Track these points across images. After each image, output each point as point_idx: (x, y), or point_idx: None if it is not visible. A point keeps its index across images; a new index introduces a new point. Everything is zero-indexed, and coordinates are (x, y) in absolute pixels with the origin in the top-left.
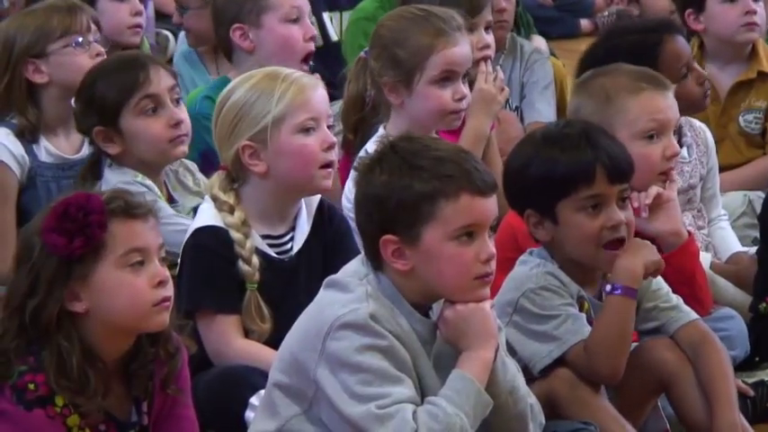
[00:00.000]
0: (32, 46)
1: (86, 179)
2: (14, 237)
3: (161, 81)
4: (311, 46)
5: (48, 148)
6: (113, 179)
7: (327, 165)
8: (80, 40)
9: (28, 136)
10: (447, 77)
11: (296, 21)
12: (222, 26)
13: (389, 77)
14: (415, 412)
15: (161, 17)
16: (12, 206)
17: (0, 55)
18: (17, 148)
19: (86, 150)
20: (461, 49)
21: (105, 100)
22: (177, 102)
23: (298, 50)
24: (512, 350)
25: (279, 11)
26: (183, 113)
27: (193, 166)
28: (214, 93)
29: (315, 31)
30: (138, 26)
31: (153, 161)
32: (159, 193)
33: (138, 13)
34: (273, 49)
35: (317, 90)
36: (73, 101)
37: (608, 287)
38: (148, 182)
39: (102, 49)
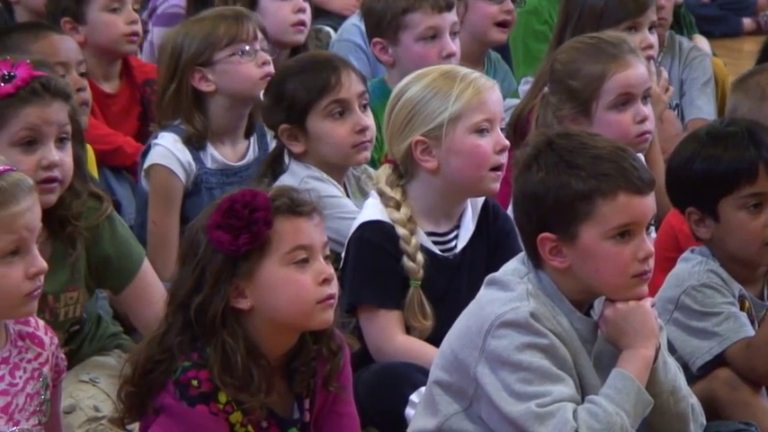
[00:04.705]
0: (199, 54)
1: (266, 174)
2: (177, 243)
3: (351, 86)
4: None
5: (213, 155)
6: (301, 172)
7: (498, 167)
8: (246, 48)
9: (195, 143)
10: (625, 101)
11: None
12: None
13: (568, 110)
14: (575, 411)
15: (322, 13)
16: (176, 212)
17: (168, 62)
18: (184, 155)
19: (251, 157)
20: (635, 71)
21: (294, 99)
22: (365, 108)
23: None
24: (672, 348)
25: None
26: (369, 120)
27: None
28: (376, 103)
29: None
30: (302, 23)
31: (335, 164)
32: (342, 191)
33: (300, 10)
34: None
35: (494, 92)
36: (261, 94)
37: None
38: (333, 180)
39: (269, 57)
